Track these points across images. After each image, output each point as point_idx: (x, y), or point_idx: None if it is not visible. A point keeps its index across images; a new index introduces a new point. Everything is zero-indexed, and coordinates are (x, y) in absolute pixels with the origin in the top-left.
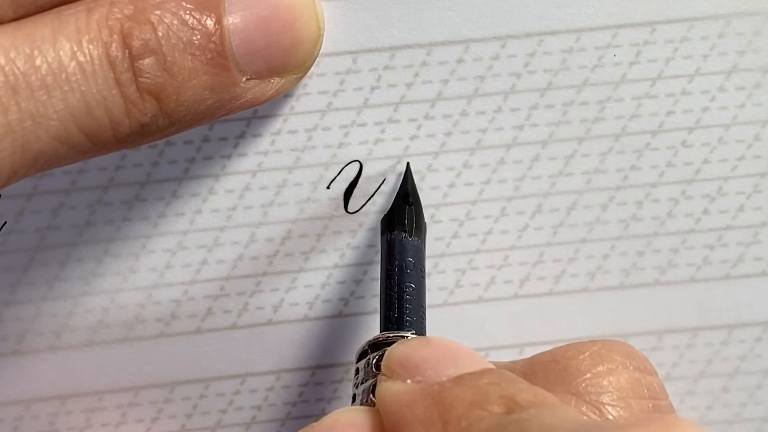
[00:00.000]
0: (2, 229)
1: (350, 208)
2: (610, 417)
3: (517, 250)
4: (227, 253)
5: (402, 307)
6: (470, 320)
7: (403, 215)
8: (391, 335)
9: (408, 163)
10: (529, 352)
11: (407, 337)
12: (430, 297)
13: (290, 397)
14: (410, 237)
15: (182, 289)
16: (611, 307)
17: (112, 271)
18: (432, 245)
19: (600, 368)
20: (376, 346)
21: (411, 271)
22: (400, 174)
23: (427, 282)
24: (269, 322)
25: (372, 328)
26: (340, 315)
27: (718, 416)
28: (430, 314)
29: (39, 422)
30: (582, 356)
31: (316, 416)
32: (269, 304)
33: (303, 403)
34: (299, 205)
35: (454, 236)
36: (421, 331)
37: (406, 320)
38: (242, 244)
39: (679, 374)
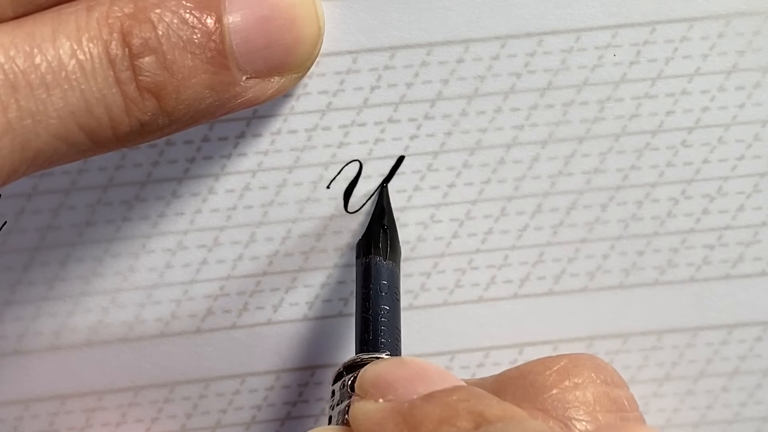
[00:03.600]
0: (2, 229)
1: (350, 208)
2: None
3: (517, 249)
4: (227, 253)
5: (377, 329)
6: (470, 320)
7: (378, 239)
8: (365, 357)
9: (383, 185)
10: (529, 352)
11: (381, 358)
12: (431, 297)
13: (290, 397)
14: (385, 261)
15: (182, 289)
16: (611, 307)
17: (112, 271)
18: (432, 245)
19: (566, 383)
20: (352, 367)
21: (385, 293)
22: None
23: (427, 282)
24: (269, 322)
25: None
26: (340, 315)
27: (718, 416)
28: (430, 314)
29: (39, 422)
30: (549, 372)
31: (316, 416)
32: (269, 304)
33: (303, 403)
34: (299, 205)
35: (454, 236)
36: (395, 352)
37: (381, 342)
38: (242, 243)
39: (679, 374)
